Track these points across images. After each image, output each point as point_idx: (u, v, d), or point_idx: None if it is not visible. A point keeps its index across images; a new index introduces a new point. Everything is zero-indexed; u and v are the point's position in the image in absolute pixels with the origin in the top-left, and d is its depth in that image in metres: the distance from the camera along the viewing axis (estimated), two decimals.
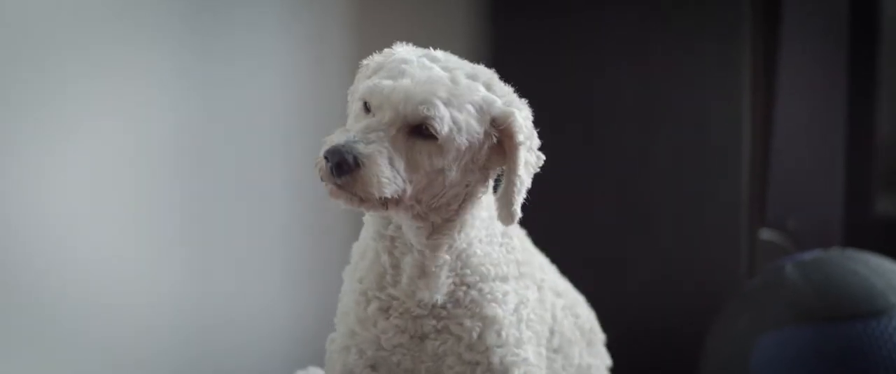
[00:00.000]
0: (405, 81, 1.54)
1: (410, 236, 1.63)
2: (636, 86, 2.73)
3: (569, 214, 2.81)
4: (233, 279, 2.37)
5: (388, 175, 1.51)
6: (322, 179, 1.53)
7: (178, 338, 2.27)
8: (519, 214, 1.59)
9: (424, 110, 1.52)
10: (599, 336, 1.95)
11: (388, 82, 1.54)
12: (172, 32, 2.19)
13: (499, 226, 1.69)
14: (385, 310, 1.67)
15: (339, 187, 1.51)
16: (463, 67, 1.60)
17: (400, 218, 1.61)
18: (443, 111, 1.53)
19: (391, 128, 1.52)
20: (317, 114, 2.50)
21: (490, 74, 1.62)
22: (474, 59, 1.65)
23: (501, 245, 1.69)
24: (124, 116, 2.11)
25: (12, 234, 1.95)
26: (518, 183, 1.58)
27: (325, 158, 1.50)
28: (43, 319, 2.01)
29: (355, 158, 1.49)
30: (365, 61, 1.65)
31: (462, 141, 1.55)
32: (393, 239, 1.65)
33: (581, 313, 1.89)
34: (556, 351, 1.80)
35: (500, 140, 1.59)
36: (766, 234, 2.73)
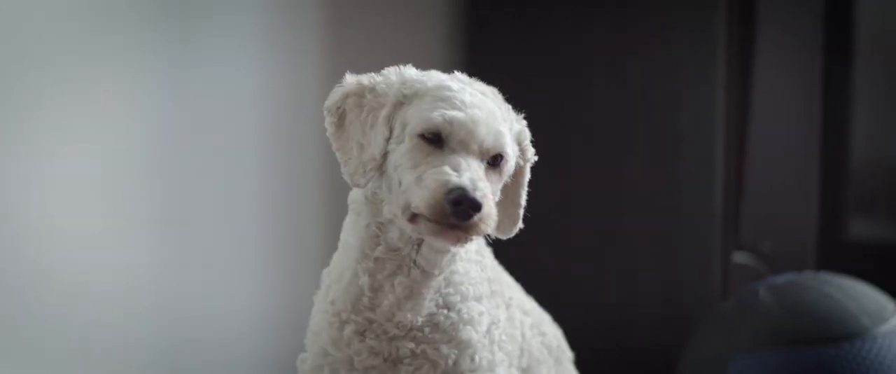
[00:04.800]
0: (478, 114, 1.55)
1: (430, 260, 1.61)
2: (610, 109, 2.74)
3: (542, 234, 2.81)
4: (206, 275, 2.38)
5: (495, 212, 1.52)
6: (429, 219, 1.50)
7: (153, 331, 2.28)
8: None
9: (502, 143, 1.56)
10: (567, 354, 1.93)
11: (459, 114, 1.54)
12: (150, 39, 2.21)
13: (474, 244, 1.68)
14: (361, 333, 1.65)
15: (457, 228, 1.50)
16: (486, 91, 1.63)
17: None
18: (509, 141, 1.58)
19: (481, 162, 1.55)
20: (289, 116, 2.51)
21: (496, 92, 1.66)
22: (449, 71, 1.66)
23: (476, 263, 1.69)
24: (101, 118, 2.12)
25: None
26: (524, 196, 1.64)
27: (457, 202, 1.47)
28: (21, 310, 2.02)
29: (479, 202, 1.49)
30: (367, 83, 1.62)
31: (512, 166, 1.61)
32: (378, 261, 1.63)
33: (547, 331, 1.88)
34: (524, 371, 1.79)
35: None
36: (739, 257, 2.74)
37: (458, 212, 1.47)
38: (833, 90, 2.92)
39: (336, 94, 1.62)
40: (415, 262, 1.62)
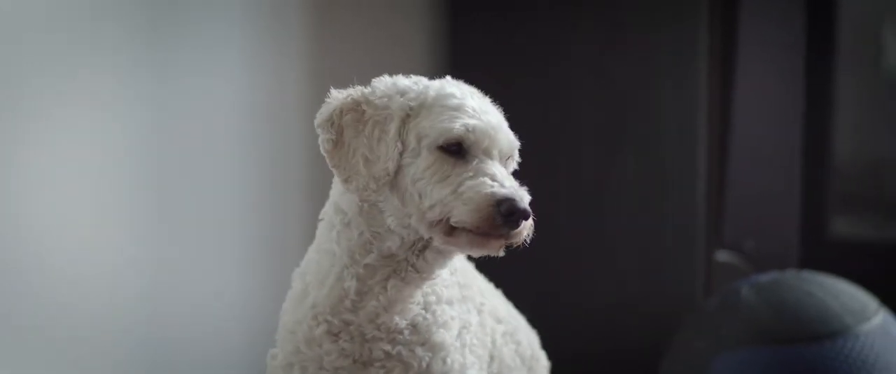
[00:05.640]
0: (493, 119, 1.59)
1: (432, 265, 1.62)
2: (593, 109, 2.74)
3: None
4: (190, 274, 2.40)
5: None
6: (473, 231, 1.52)
7: (137, 327, 2.30)
8: None
9: (515, 145, 1.61)
10: (542, 363, 1.91)
11: (479, 123, 1.56)
12: (138, 43, 2.23)
13: None
14: (335, 334, 1.65)
15: (502, 236, 1.52)
16: (474, 92, 1.64)
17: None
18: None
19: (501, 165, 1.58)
20: (272, 118, 2.53)
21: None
22: (433, 76, 1.66)
23: (447, 266, 1.68)
24: (88, 121, 2.14)
25: None
26: None
27: (510, 213, 1.50)
28: (13, 309, 2.05)
29: None
30: (359, 96, 1.60)
31: (515, 163, 1.64)
32: (368, 267, 1.62)
33: (522, 339, 1.86)
34: None
35: None
36: (722, 255, 2.74)
37: (509, 222, 1.50)
38: (815, 89, 2.93)
39: (327, 110, 1.61)
40: (413, 266, 1.62)
